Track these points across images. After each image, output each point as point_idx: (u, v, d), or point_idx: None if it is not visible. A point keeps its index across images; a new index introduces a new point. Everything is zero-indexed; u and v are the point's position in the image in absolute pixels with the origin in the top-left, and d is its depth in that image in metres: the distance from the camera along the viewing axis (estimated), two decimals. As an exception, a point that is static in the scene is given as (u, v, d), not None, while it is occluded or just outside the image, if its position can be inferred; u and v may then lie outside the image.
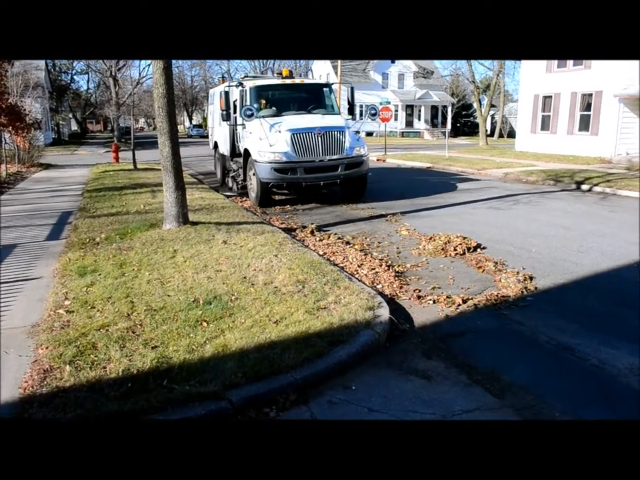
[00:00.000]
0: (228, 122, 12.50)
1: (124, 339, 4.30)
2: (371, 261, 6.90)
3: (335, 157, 11.15)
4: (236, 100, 12.38)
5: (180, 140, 8.69)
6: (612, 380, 3.94)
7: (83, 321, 4.66)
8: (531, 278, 6.16)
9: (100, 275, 5.96)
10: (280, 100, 12.43)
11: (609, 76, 20.38)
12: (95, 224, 8.97)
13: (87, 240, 7.73)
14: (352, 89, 13.64)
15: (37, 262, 6.84)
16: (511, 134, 45.80)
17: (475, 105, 44.75)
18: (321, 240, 8.26)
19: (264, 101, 11.89)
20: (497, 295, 5.60)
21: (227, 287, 5.47)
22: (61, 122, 54.70)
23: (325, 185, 11.52)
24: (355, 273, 6.39)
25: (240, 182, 13.18)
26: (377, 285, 5.97)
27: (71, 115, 61.51)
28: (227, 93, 11.97)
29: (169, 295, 5.27)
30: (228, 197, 12.75)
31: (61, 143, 43.56)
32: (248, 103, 11.80)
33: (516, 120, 30.97)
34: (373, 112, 12.38)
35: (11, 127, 17.35)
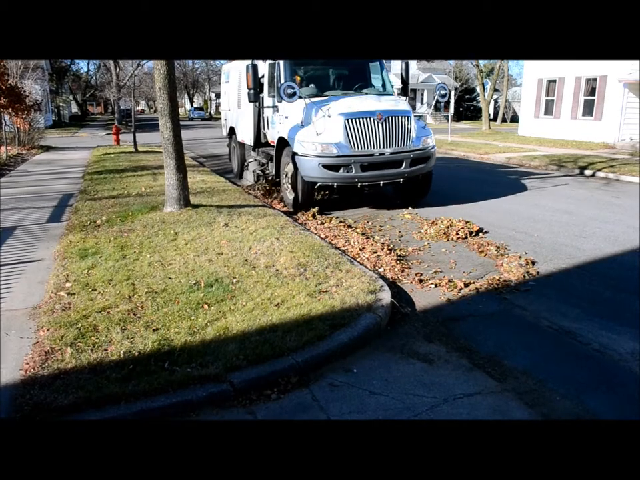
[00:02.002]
0: (256, 103, 10.02)
1: (125, 321, 4.30)
2: (372, 244, 6.88)
3: (398, 149, 8.75)
4: (262, 77, 10.27)
5: (181, 123, 8.62)
6: (613, 365, 3.94)
7: (84, 303, 4.65)
8: (533, 263, 6.14)
9: (101, 257, 5.95)
10: (321, 77, 10.11)
11: (614, 61, 20.15)
12: (96, 206, 8.94)
13: (88, 222, 7.71)
14: (407, 63, 10.65)
15: (37, 244, 6.83)
16: (514, 118, 45.50)
17: (479, 89, 44.42)
18: (322, 223, 8.24)
19: (298, 78, 9.38)
20: (498, 280, 5.58)
21: (229, 270, 5.46)
22: (61, 104, 54.40)
23: (385, 185, 9.18)
24: (357, 256, 6.37)
25: (270, 178, 10.84)
26: (379, 268, 5.96)
27: (71, 97, 61.12)
28: (254, 68, 9.50)
29: (170, 278, 5.26)
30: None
31: (61, 125, 43.35)
32: (282, 79, 9.41)
33: (519, 104, 30.74)
34: (443, 92, 9.65)
35: (10, 109, 17.25)
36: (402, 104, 9.45)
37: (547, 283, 5.61)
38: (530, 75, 25.07)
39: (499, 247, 6.72)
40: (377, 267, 5.99)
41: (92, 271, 5.49)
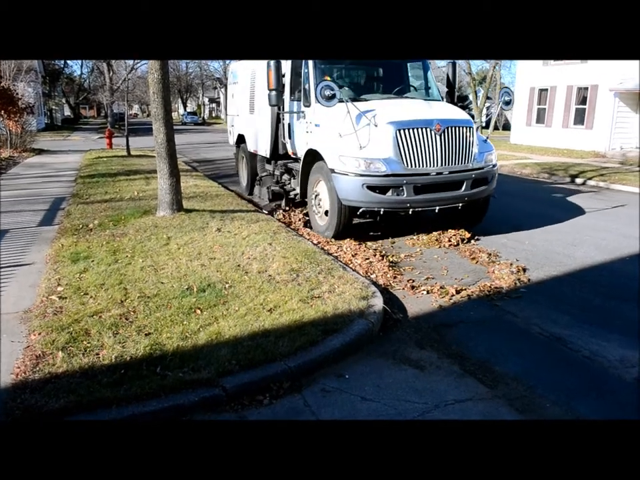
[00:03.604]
0: (278, 107, 8.68)
1: (117, 325, 4.29)
2: (365, 250, 6.90)
3: (458, 167, 7.21)
4: (283, 75, 8.60)
5: (174, 127, 8.62)
6: (603, 371, 3.97)
7: (76, 307, 4.64)
8: (524, 270, 6.18)
9: (93, 261, 5.93)
10: (354, 78, 8.86)
11: (605, 70, 20.36)
12: (88, 210, 8.91)
13: (80, 226, 7.68)
14: (454, 64, 9.10)
15: (29, 247, 6.80)
16: (506, 126, 45.75)
17: (471, 97, 44.67)
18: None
19: (328, 78, 7.45)
20: (490, 286, 5.62)
21: (221, 275, 5.46)
22: (53, 107, 54.15)
23: (441, 210, 7.41)
24: (349, 262, 6.39)
25: (292, 197, 9.20)
26: (371, 274, 5.98)
27: (64, 100, 60.86)
28: (278, 65, 8.12)
29: (162, 282, 5.25)
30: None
31: (53, 129, 43.16)
32: (312, 79, 7.95)
33: (511, 112, 30.93)
34: (507, 99, 7.95)
35: (3, 111, 17.17)
36: (460, 112, 7.94)
37: (537, 289, 5.65)
38: (522, 83, 25.26)
39: (490, 254, 6.75)
40: (369, 273, 6.01)
41: (84, 275, 5.47)
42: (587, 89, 21.66)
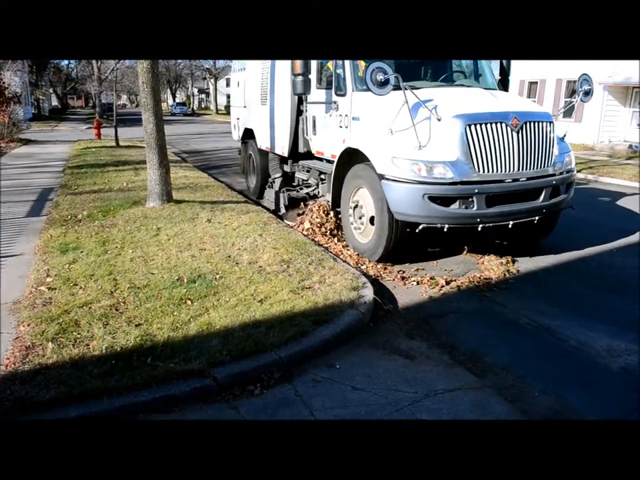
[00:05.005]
0: (305, 95, 7.14)
1: (107, 316, 4.27)
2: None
3: (536, 172, 5.87)
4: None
5: (163, 118, 8.56)
6: (590, 361, 4.02)
7: (65, 298, 4.61)
8: (514, 261, 6.22)
9: (82, 252, 5.90)
10: (402, 63, 6.79)
11: (594, 64, 20.43)
12: (77, 201, 8.85)
13: (69, 217, 7.63)
14: None
15: (17, 238, 6.74)
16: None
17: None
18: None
19: (363, 64, 6.37)
20: (479, 277, 5.65)
21: (212, 266, 5.45)
22: (41, 97, 53.56)
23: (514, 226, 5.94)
24: (340, 253, 6.39)
25: (322, 203, 7.49)
26: (362, 265, 5.99)
27: (51, 90, 60.21)
28: None
29: (152, 273, 5.23)
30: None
31: (41, 119, 42.67)
32: (348, 62, 6.67)
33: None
34: (587, 88, 6.51)
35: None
36: (533, 104, 6.88)
37: (526, 281, 5.70)
38: (512, 76, 25.25)
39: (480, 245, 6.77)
40: (359, 264, 6.02)
41: (73, 266, 5.44)
42: (575, 82, 21.70)
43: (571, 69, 21.38)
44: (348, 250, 6.48)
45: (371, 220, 6.11)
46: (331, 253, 6.25)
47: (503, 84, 7.53)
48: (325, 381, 3.67)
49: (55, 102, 64.51)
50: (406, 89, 5.51)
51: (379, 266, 5.96)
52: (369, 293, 4.85)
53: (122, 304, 4.52)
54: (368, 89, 5.63)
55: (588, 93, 6.54)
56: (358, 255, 6.30)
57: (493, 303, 5.10)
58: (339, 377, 3.72)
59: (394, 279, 5.64)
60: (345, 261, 5.98)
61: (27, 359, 3.60)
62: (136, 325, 4.11)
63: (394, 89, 5.65)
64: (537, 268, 6.09)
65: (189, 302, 4.56)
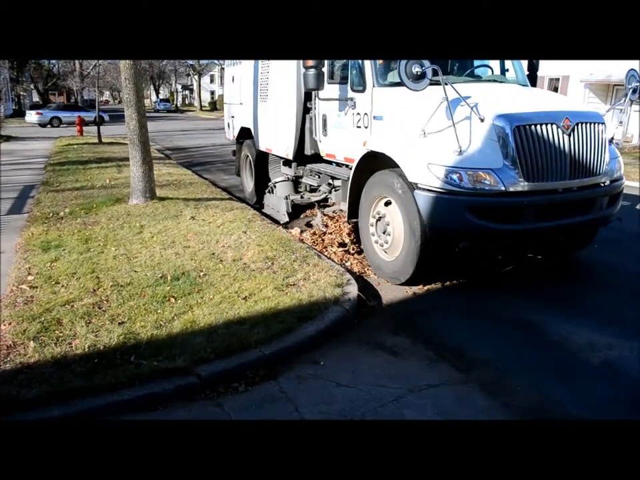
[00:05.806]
0: (318, 90, 6.15)
1: (90, 314, 4.24)
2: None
3: (588, 180, 5.13)
4: None
5: (146, 114, 8.50)
6: (572, 355, 4.07)
7: (47, 297, 4.57)
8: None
9: (64, 250, 5.84)
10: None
11: (575, 62, 20.66)
12: (59, 198, 8.75)
13: (51, 214, 7.54)
14: None
15: (-3, 236, 6.65)
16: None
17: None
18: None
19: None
20: (463, 273, 5.69)
21: (195, 263, 5.43)
22: (22, 93, 52.79)
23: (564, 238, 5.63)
24: (324, 250, 6.39)
25: (337, 215, 7.05)
26: (346, 262, 6.00)
27: (32, 86, 59.31)
28: None
29: (135, 271, 5.19)
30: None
31: (22, 115, 42.07)
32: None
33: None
34: (636, 85, 5.49)
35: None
36: (577, 103, 5.76)
37: (510, 276, 5.75)
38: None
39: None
40: (343, 261, 6.02)
41: (55, 264, 5.38)
42: (558, 79, 21.95)
43: (554, 67, 21.57)
44: (332, 247, 6.46)
45: (407, 237, 5.14)
46: (316, 250, 6.25)
47: (532, 80, 6.70)
48: (310, 377, 3.67)
49: (36, 98, 63.58)
50: (446, 84, 4.70)
51: (363, 263, 5.97)
52: (353, 290, 4.87)
53: (105, 302, 4.49)
54: (400, 84, 4.91)
55: (636, 91, 5.56)
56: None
57: (476, 298, 5.13)
58: (324, 373, 3.72)
59: (378, 276, 5.66)
60: (329, 258, 5.99)
61: (9, 358, 3.56)
62: (119, 323, 4.09)
63: (435, 84, 4.88)
64: (520, 264, 6.15)
65: (172, 300, 4.53)
